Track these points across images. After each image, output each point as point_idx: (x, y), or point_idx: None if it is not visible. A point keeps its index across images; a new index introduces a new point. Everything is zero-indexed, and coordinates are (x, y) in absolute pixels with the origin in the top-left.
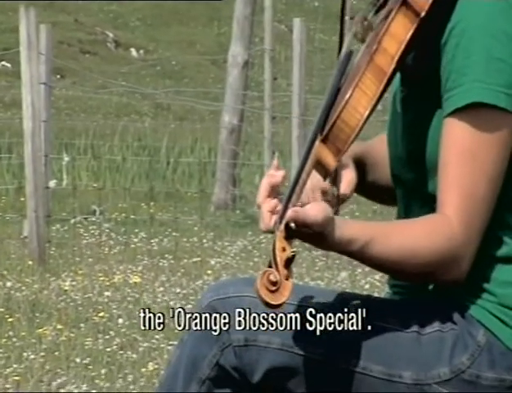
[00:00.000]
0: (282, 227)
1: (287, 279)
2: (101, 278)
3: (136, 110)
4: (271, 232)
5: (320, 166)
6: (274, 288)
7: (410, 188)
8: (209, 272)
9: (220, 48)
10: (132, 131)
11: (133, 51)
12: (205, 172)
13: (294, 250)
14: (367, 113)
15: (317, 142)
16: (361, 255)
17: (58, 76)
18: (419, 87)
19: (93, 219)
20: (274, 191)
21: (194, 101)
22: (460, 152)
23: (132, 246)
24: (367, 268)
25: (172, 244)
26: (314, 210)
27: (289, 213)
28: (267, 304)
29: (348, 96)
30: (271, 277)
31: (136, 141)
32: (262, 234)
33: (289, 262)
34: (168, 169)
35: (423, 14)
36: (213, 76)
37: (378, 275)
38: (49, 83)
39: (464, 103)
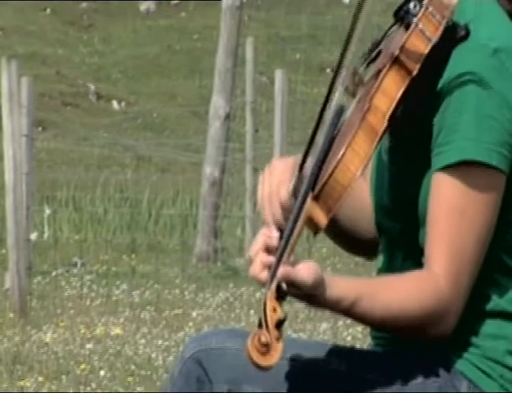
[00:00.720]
0: (273, 287)
1: (278, 340)
2: (83, 330)
3: (117, 162)
4: (260, 283)
5: (311, 224)
6: (265, 350)
7: (395, 239)
8: (191, 324)
9: (201, 100)
10: (113, 183)
11: (115, 104)
12: (187, 224)
13: (286, 312)
14: (359, 172)
15: (309, 200)
16: (350, 314)
17: (40, 128)
18: (408, 138)
19: (75, 271)
20: (267, 250)
21: (175, 153)
22: (449, 210)
23: (114, 298)
24: (349, 321)
25: (153, 296)
26: (305, 272)
27: (281, 272)
28: (258, 366)
29: (340, 155)
30: (263, 339)
31: (117, 192)
32: (243, 286)
33: (280, 323)
34: (150, 220)
35: (415, 72)
36: (194, 128)
37: (360, 327)
38: (31, 136)
39: (456, 160)
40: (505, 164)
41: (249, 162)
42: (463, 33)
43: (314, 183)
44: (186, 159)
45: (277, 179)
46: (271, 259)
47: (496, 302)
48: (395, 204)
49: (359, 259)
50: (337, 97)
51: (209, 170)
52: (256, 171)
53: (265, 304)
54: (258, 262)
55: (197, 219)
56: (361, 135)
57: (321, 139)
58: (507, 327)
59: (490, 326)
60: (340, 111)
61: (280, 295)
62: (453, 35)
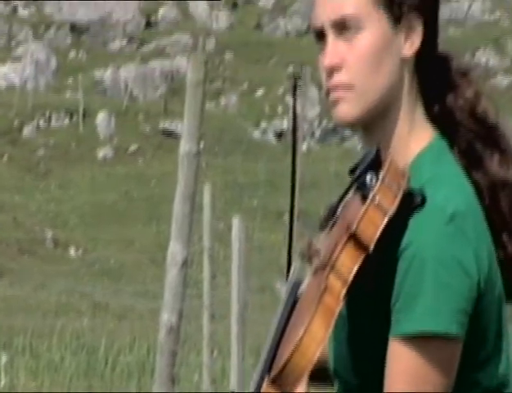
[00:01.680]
0: None
1: None
2: None
3: (74, 309)
4: None
5: None
6: None
7: (350, 389)
8: None
9: (159, 247)
10: (70, 330)
11: (72, 251)
12: (144, 371)
13: None
14: (316, 356)
15: (265, 384)
16: None
17: None
18: (365, 299)
19: None
20: None
21: (132, 300)
22: (407, 378)
23: None
24: None
25: None
26: None
27: None
28: None
29: (297, 339)
30: None
31: (74, 339)
32: None
33: None
34: (107, 368)
35: (371, 247)
36: (151, 274)
37: None
38: None
39: (415, 332)
40: (464, 329)
41: (207, 309)
42: (419, 200)
43: (270, 366)
44: (144, 305)
45: None
46: None
47: None
48: (353, 359)
49: None
50: (294, 268)
51: (166, 317)
52: (213, 318)
53: None
54: None
55: (154, 366)
56: (318, 319)
57: (276, 317)
58: None
59: None
60: (296, 286)
61: None
62: (409, 203)
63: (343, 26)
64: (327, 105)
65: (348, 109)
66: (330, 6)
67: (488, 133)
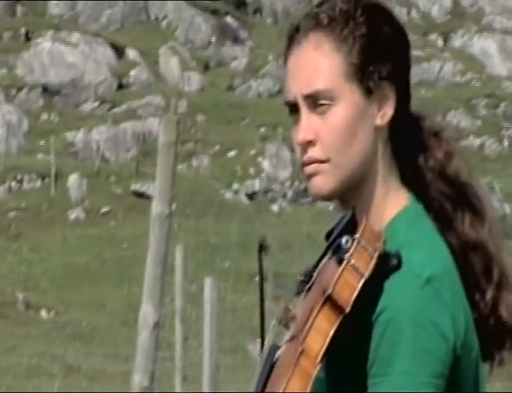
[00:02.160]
0: None
1: None
2: None
3: (46, 372)
4: None
5: None
6: None
7: None
8: None
9: (130, 309)
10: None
11: (44, 313)
12: None
13: None
14: None
15: None
16: None
17: None
18: (342, 362)
19: None
20: None
21: (104, 362)
22: None
23: None
24: None
25: None
26: None
27: None
28: None
29: None
30: None
31: None
32: None
33: None
34: None
35: (348, 310)
36: (123, 336)
37: None
38: None
39: None
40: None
41: (179, 371)
42: (394, 262)
43: None
44: (115, 368)
45: None
46: None
47: None
48: None
49: None
50: (270, 333)
51: (138, 379)
52: (185, 380)
53: None
54: None
55: None
56: (295, 381)
57: (253, 382)
58: None
59: None
60: (273, 352)
61: None
62: (385, 265)
63: (316, 100)
64: (302, 176)
65: (323, 182)
66: (303, 80)
67: (459, 193)
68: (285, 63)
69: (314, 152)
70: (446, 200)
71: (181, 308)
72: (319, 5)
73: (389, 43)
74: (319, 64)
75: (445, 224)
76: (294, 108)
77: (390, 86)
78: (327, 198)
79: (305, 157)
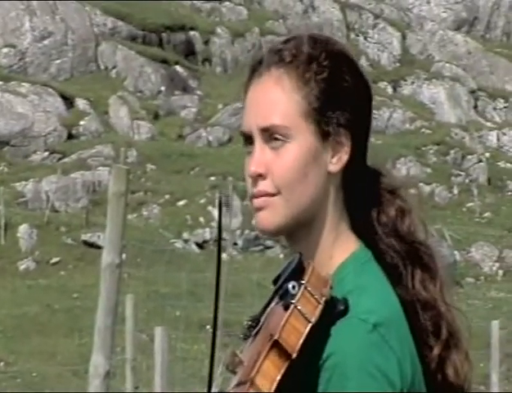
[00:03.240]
0: None
1: None
2: None
3: None
4: None
5: None
6: None
7: None
8: None
9: (81, 358)
10: None
11: None
12: None
13: None
14: None
15: None
16: None
17: None
18: None
19: None
20: None
21: None
22: None
23: None
24: None
25: None
26: None
27: None
28: None
29: None
30: None
31: None
32: None
33: None
34: None
35: (294, 355)
36: (74, 386)
37: None
38: None
39: None
40: None
41: None
42: (342, 307)
43: None
44: None
45: None
46: None
47: None
48: None
49: None
50: (217, 377)
51: None
52: None
53: None
54: None
55: None
56: None
57: None
58: None
59: None
60: None
61: None
62: (332, 310)
63: (271, 134)
64: (251, 212)
65: (271, 216)
66: (260, 113)
67: (410, 250)
68: (244, 94)
69: (264, 186)
70: (397, 255)
71: (131, 357)
72: (284, 42)
73: (350, 92)
74: (278, 99)
75: (395, 279)
76: (248, 139)
77: (347, 134)
78: (273, 233)
79: (255, 190)
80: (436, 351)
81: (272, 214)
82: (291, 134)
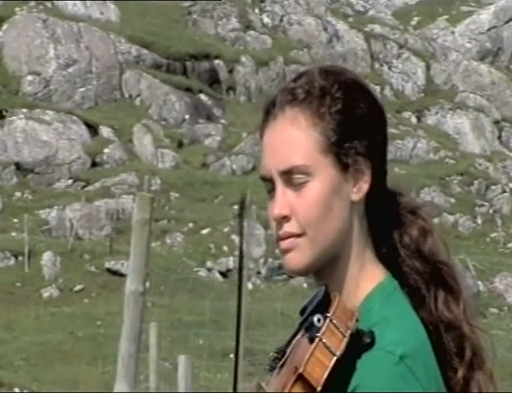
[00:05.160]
0: None
1: None
2: None
3: None
4: None
5: None
6: None
7: None
8: None
9: (104, 387)
10: None
11: (17, 391)
12: None
13: None
14: None
15: None
16: None
17: None
18: None
19: None
20: None
21: None
22: None
23: None
24: None
25: None
26: None
27: None
28: None
29: None
30: None
31: None
32: None
33: None
34: None
35: (319, 388)
36: None
37: None
38: None
39: None
40: None
41: None
42: (368, 340)
43: None
44: None
45: None
46: None
47: None
48: None
49: None
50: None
51: None
52: None
53: None
54: None
55: None
56: None
57: None
58: None
59: None
60: None
61: None
62: (358, 343)
63: (291, 175)
64: (279, 253)
65: (299, 257)
66: (279, 156)
67: (433, 271)
68: (260, 137)
69: (290, 227)
70: (420, 277)
71: (155, 386)
72: (295, 79)
73: (366, 119)
74: (295, 139)
75: (418, 301)
76: (269, 183)
77: (366, 161)
78: (302, 274)
79: (281, 232)
80: (460, 374)
81: (300, 255)
82: (312, 172)
